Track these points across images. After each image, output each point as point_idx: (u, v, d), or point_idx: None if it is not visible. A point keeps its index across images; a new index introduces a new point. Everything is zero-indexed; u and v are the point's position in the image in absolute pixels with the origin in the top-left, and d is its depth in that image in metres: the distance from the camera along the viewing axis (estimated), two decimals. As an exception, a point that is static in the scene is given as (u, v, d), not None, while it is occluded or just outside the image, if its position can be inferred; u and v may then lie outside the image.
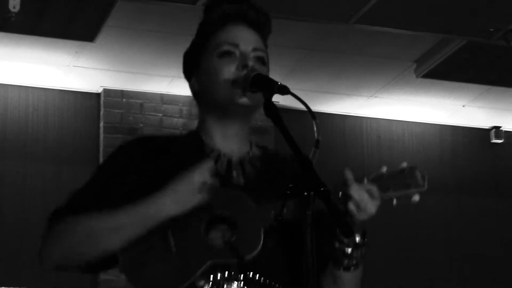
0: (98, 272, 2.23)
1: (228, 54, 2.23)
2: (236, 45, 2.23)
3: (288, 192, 1.99)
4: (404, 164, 2.07)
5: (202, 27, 2.31)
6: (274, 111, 2.04)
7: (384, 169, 2.09)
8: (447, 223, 7.43)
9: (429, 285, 7.21)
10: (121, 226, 2.08)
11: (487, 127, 7.70)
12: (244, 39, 2.25)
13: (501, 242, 7.52)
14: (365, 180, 2.07)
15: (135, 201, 2.09)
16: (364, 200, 2.04)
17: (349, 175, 2.07)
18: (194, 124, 2.35)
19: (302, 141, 2.00)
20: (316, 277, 1.89)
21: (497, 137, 7.66)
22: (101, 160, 6.29)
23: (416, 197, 2.05)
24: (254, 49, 2.24)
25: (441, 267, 7.30)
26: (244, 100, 2.18)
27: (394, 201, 2.08)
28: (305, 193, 1.91)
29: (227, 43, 2.23)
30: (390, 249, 7.15)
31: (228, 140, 2.25)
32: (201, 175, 2.06)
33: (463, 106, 7.29)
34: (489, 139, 7.69)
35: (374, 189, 2.06)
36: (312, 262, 1.86)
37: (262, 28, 2.29)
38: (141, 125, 6.69)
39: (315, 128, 1.99)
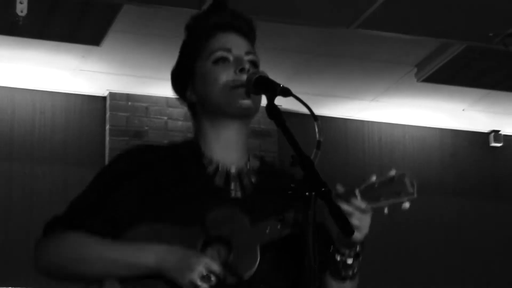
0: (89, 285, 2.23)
1: (222, 59, 2.25)
2: (229, 50, 2.26)
3: (290, 192, 1.98)
4: (393, 172, 2.06)
5: (190, 40, 2.35)
6: (277, 113, 2.05)
7: (374, 178, 2.08)
8: (447, 225, 7.46)
9: (428, 287, 7.25)
10: (110, 262, 2.09)
11: (486, 131, 7.75)
12: (236, 44, 2.27)
13: (501, 244, 7.56)
14: (356, 192, 2.06)
15: (132, 243, 2.10)
16: (356, 218, 2.04)
17: (340, 190, 2.07)
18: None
19: (305, 144, 2.00)
20: (319, 276, 1.90)
21: (496, 141, 7.68)
22: (107, 162, 6.30)
23: (406, 205, 2.05)
24: (247, 53, 2.27)
25: (441, 269, 7.34)
26: (246, 102, 2.20)
27: (386, 210, 2.07)
28: (307, 193, 1.92)
29: (220, 49, 2.26)
30: (390, 251, 7.18)
31: (227, 149, 2.24)
32: (205, 268, 2.04)
33: (463, 110, 7.32)
34: (488, 142, 7.73)
35: (363, 204, 2.05)
36: (315, 261, 1.87)
37: (249, 35, 2.32)
38: (146, 128, 6.69)
39: (316, 129, 2.00)
